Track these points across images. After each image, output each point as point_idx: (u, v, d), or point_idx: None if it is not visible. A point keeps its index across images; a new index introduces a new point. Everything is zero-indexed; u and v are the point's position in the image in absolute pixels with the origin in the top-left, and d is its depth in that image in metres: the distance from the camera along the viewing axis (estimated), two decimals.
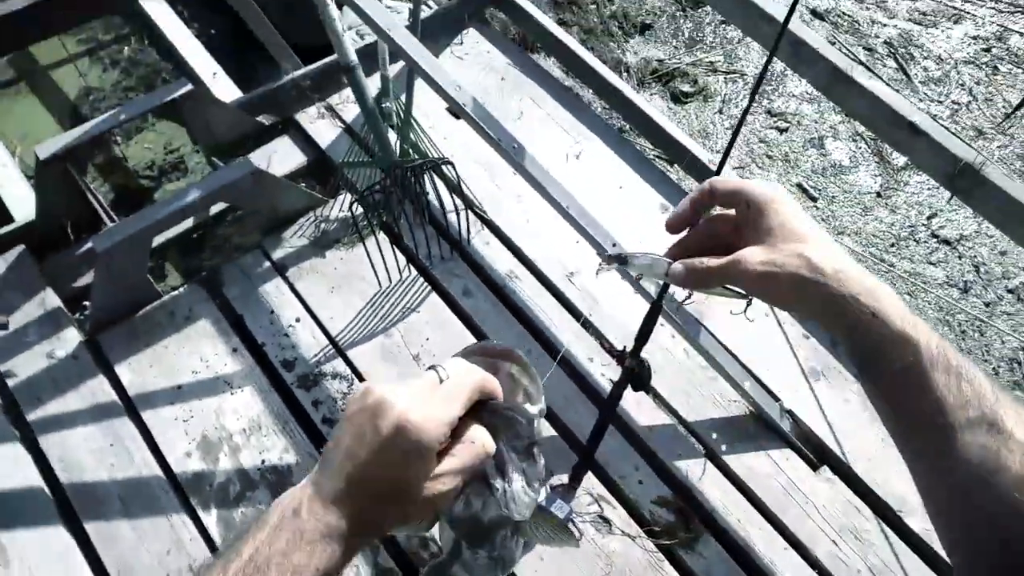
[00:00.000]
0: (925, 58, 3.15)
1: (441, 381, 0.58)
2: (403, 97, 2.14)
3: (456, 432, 0.57)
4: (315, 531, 0.52)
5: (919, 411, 0.56)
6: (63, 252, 2.09)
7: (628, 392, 1.84)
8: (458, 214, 2.10)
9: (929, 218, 2.70)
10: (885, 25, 3.26)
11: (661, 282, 0.72)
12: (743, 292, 0.69)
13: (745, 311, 0.74)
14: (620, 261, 0.71)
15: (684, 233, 0.72)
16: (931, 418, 0.55)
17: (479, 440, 0.58)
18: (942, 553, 1.64)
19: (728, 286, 0.69)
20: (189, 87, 2.03)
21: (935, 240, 2.65)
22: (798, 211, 0.64)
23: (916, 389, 0.56)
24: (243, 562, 0.51)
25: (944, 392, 0.55)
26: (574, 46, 2.46)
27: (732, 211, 0.68)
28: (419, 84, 2.18)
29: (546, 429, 1.82)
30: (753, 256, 0.62)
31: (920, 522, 1.72)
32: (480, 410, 0.60)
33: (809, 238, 0.62)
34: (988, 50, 3.19)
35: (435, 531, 0.79)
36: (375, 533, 0.56)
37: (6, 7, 1.54)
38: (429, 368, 0.59)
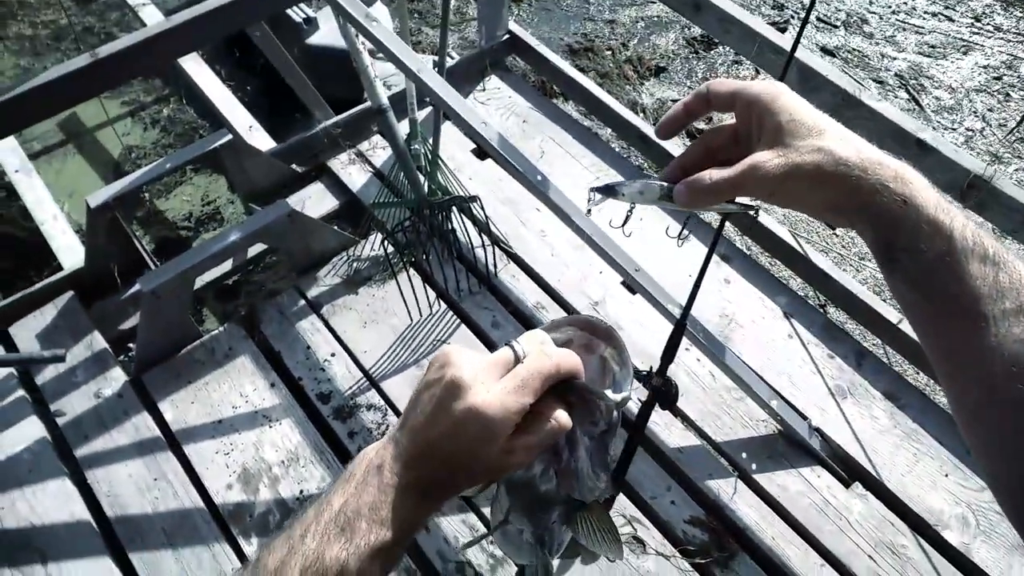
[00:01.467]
0: (936, 88, 3.21)
1: (517, 359, 0.58)
2: (431, 139, 2.24)
3: (534, 406, 0.57)
4: (397, 488, 0.55)
5: (951, 303, 0.52)
6: (109, 297, 2.19)
7: (657, 416, 1.89)
8: (485, 249, 2.18)
9: None
10: (895, 59, 3.34)
11: (655, 205, 0.64)
12: (750, 204, 0.65)
13: (756, 215, 0.68)
14: (608, 192, 0.65)
15: (674, 149, 0.67)
16: (965, 310, 0.51)
17: (556, 418, 0.57)
18: (983, 566, 1.63)
19: (736, 200, 0.64)
20: (229, 137, 2.15)
21: None
22: (806, 104, 0.59)
23: (949, 279, 0.52)
24: (334, 512, 0.55)
25: (979, 282, 0.51)
26: (592, 88, 2.56)
27: (728, 119, 0.64)
28: (445, 128, 2.29)
29: None
30: (768, 159, 0.57)
31: (958, 536, 1.71)
32: (561, 387, 0.58)
33: (825, 129, 0.57)
34: (999, 78, 3.25)
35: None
36: (451, 493, 0.59)
37: (56, 71, 1.66)
38: (506, 344, 0.59)
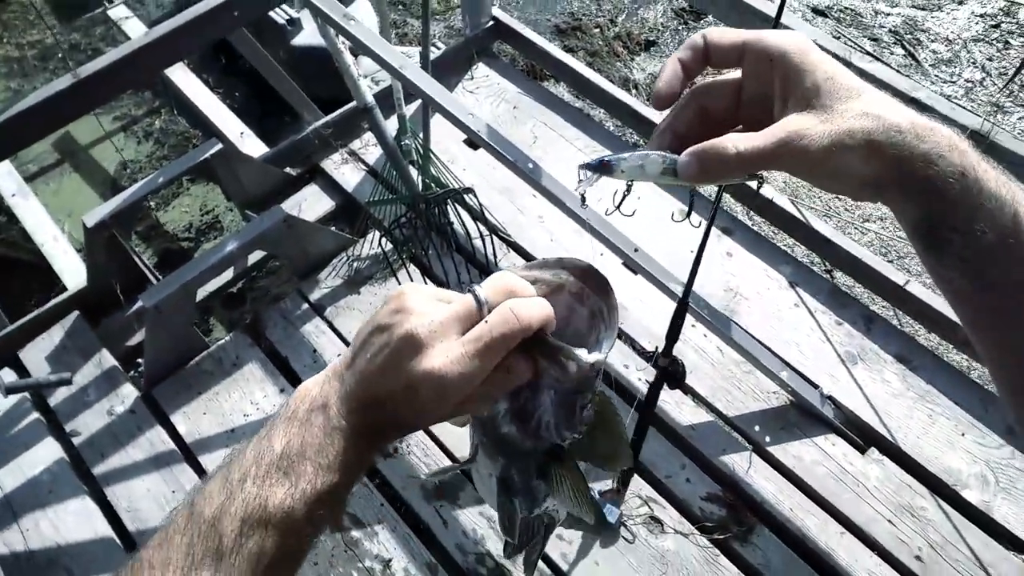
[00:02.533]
0: (933, 41, 3.16)
1: (480, 309, 0.52)
2: (420, 134, 2.23)
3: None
4: (343, 429, 0.52)
5: (1016, 292, 0.47)
6: (114, 314, 2.20)
7: (667, 394, 1.88)
8: (483, 240, 2.17)
9: None
10: (888, 14, 3.28)
11: (658, 182, 0.54)
12: (759, 176, 0.55)
13: (759, 188, 0.57)
14: (602, 169, 0.55)
15: (664, 115, 0.55)
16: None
17: (515, 371, 0.53)
18: (1005, 523, 1.62)
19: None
20: (219, 146, 2.15)
21: None
22: (836, 61, 0.50)
23: (1012, 265, 0.46)
24: (276, 455, 0.51)
25: None
26: (581, 69, 2.53)
27: (730, 74, 0.54)
28: (435, 120, 2.27)
29: None
30: (812, 126, 0.47)
31: (978, 494, 1.70)
32: (529, 339, 0.52)
33: (864, 90, 0.49)
34: (997, 26, 3.19)
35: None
36: (398, 437, 0.56)
37: (38, 95, 1.66)
38: (468, 290, 0.53)
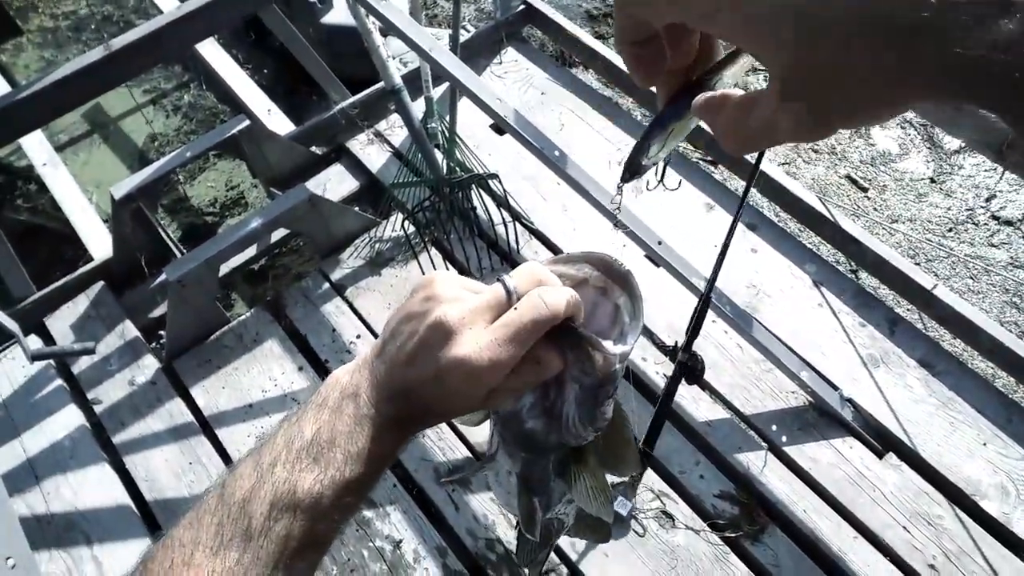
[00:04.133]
0: None
1: (510, 299, 0.52)
2: (447, 117, 2.22)
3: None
4: (373, 419, 0.52)
5: None
6: (139, 286, 2.23)
7: (685, 389, 1.87)
8: (506, 226, 2.16)
9: (987, 200, 2.63)
10: None
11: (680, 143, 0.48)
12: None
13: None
14: (635, 171, 0.53)
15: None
16: None
17: (544, 362, 0.53)
18: (1023, 535, 1.59)
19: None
20: (247, 123, 2.15)
21: (996, 222, 2.58)
22: None
23: None
24: (306, 441, 0.51)
25: None
26: (611, 56, 2.50)
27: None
28: (462, 104, 2.26)
29: None
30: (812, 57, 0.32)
31: (997, 506, 1.67)
32: (556, 329, 0.52)
33: None
34: None
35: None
36: (426, 427, 0.56)
37: (71, 66, 1.68)
38: (497, 280, 0.53)
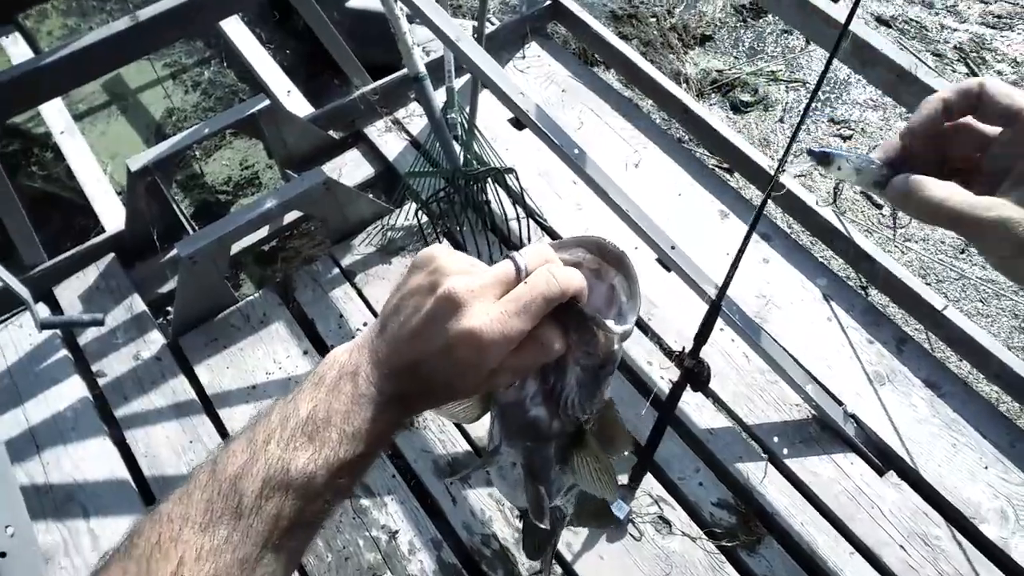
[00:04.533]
0: (999, 61, 3.06)
1: (519, 276, 0.52)
2: (467, 109, 2.21)
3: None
4: (372, 399, 0.51)
5: None
6: (149, 260, 2.23)
7: (688, 396, 1.86)
8: (519, 221, 2.16)
9: None
10: (955, 30, 3.19)
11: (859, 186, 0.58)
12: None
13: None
14: (822, 159, 0.58)
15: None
16: None
17: (548, 342, 0.52)
18: (1022, 562, 1.59)
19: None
20: (267, 103, 2.15)
21: None
22: None
23: None
24: (302, 419, 0.50)
25: None
26: (634, 57, 2.49)
27: (992, 129, 0.53)
28: (482, 97, 2.25)
29: None
30: (1019, 216, 0.46)
31: (996, 530, 1.67)
32: (560, 309, 0.52)
33: None
34: None
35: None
36: (427, 407, 0.56)
37: (96, 35, 1.67)
38: (507, 256, 0.53)
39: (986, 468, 1.75)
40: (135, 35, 1.68)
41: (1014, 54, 3.08)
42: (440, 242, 2.11)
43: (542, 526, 0.69)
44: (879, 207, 2.68)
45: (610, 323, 0.55)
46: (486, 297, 0.50)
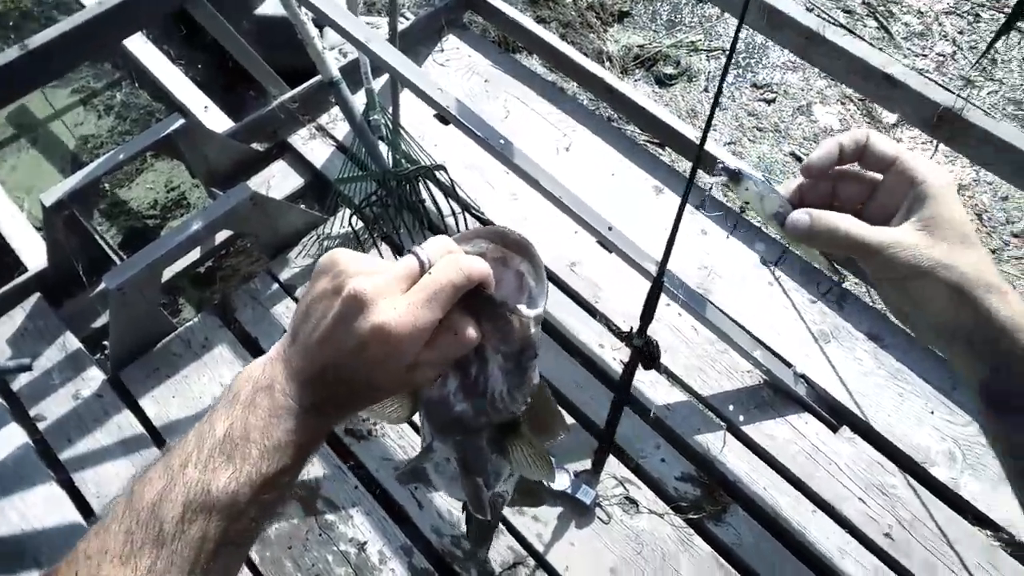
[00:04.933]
0: (905, 13, 3.14)
1: (423, 269, 0.52)
2: (390, 109, 2.17)
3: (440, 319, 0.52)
4: (291, 410, 0.51)
5: None
6: (78, 296, 2.14)
7: (642, 374, 1.87)
8: (456, 217, 2.13)
9: None
10: None
11: (762, 217, 0.60)
12: (839, 269, 0.62)
13: (831, 289, 0.70)
14: (732, 176, 0.61)
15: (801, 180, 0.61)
16: None
17: (461, 331, 0.53)
18: (971, 500, 1.65)
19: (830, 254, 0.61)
20: (182, 122, 2.08)
21: None
22: (963, 208, 0.55)
23: None
24: (219, 438, 0.49)
25: None
26: (554, 41, 2.48)
27: (874, 175, 0.59)
28: (405, 94, 2.22)
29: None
30: (917, 243, 0.53)
31: (946, 471, 1.72)
32: (469, 298, 0.53)
33: (976, 244, 0.54)
34: None
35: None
36: (349, 413, 0.55)
37: None
38: (408, 251, 0.53)
39: (932, 413, 1.80)
40: (30, 64, 1.59)
41: (919, 5, 3.17)
42: (377, 246, 2.08)
43: (483, 518, 0.69)
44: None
45: (522, 307, 0.55)
46: (392, 292, 0.51)
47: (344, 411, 0.55)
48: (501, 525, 1.73)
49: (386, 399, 0.58)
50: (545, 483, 0.70)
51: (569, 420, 1.85)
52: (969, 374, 0.54)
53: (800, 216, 0.57)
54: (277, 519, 1.76)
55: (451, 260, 0.52)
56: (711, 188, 0.65)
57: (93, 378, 1.98)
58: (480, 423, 0.61)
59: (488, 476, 0.69)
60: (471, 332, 0.53)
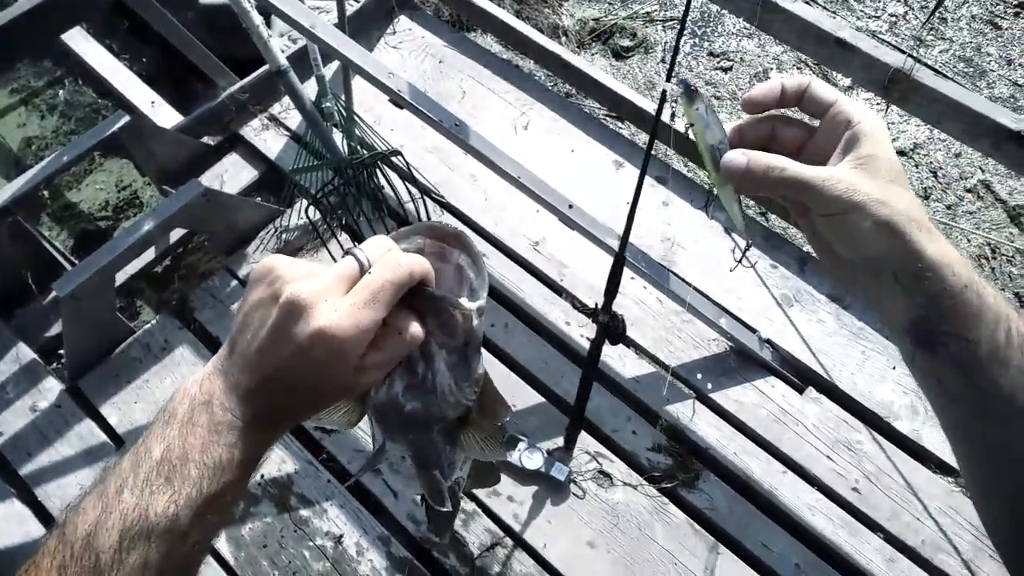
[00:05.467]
0: None
1: (362, 270, 0.51)
2: (343, 95, 2.13)
3: (384, 319, 0.51)
4: (232, 425, 0.49)
5: (1006, 391, 0.51)
6: (29, 305, 2.08)
7: (610, 349, 1.88)
8: (415, 202, 2.11)
9: None
10: None
11: (702, 152, 0.60)
12: (746, 224, 0.63)
13: (744, 254, 0.70)
14: (688, 92, 0.60)
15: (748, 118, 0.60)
16: (1013, 400, 0.51)
17: (406, 330, 0.52)
18: (932, 449, 1.69)
19: (742, 204, 0.61)
20: (127, 119, 2.02)
21: None
22: (894, 152, 0.56)
23: (1001, 374, 0.51)
24: (155, 460, 0.47)
25: None
26: (507, 18, 2.45)
27: (810, 120, 0.60)
28: (358, 80, 2.17)
29: (534, 396, 1.84)
30: (855, 181, 0.53)
31: (908, 424, 1.76)
32: (410, 295, 0.53)
33: (905, 184, 0.54)
34: None
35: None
36: (295, 422, 0.54)
37: None
38: (347, 252, 0.52)
39: (894, 368, 1.84)
40: None
41: None
42: (336, 236, 2.04)
43: (444, 509, 0.69)
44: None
45: (464, 301, 0.55)
46: (332, 295, 0.49)
47: (288, 422, 0.53)
48: (477, 508, 1.73)
49: (331, 406, 0.56)
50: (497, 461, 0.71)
51: (539, 399, 1.85)
52: (895, 313, 0.55)
53: (736, 156, 0.56)
54: (250, 518, 1.74)
55: (390, 259, 0.51)
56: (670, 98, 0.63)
57: (50, 389, 1.93)
58: (433, 419, 0.61)
59: (444, 467, 0.69)
60: (415, 330, 0.52)
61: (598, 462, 1.76)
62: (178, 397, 0.51)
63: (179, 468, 0.47)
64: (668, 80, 1.24)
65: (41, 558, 0.46)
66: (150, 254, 2.14)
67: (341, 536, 1.71)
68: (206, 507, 0.48)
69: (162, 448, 0.48)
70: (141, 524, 0.46)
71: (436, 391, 0.58)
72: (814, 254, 1.99)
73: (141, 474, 0.47)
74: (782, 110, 0.60)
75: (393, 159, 2.05)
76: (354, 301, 0.49)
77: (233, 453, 0.49)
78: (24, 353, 1.97)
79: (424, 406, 0.59)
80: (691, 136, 0.61)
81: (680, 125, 0.63)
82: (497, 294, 2.01)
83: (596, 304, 1.52)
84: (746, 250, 0.72)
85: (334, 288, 0.50)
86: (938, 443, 1.73)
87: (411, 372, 0.57)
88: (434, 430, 0.64)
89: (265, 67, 2.30)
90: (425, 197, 2.08)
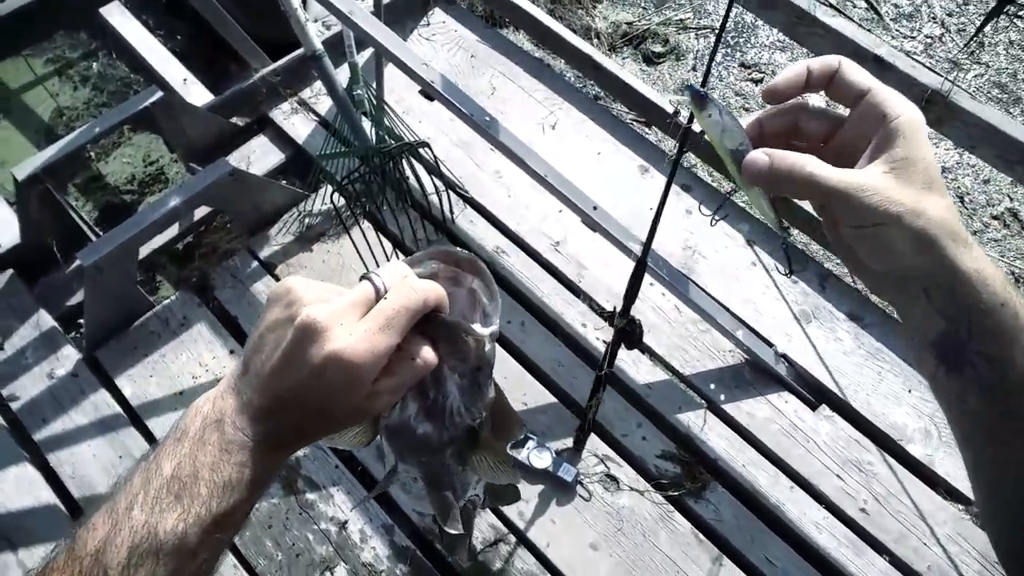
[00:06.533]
0: None
1: (378, 295, 0.51)
2: (374, 84, 2.14)
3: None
4: (243, 444, 0.49)
5: None
6: (52, 273, 2.10)
7: (624, 353, 1.88)
8: (439, 195, 2.11)
9: None
10: None
11: (722, 154, 0.55)
12: (785, 223, 0.58)
13: (786, 253, 0.64)
14: (697, 98, 0.56)
15: (767, 110, 0.56)
16: None
17: (419, 356, 0.52)
18: (943, 475, 1.67)
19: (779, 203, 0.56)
20: (160, 94, 2.04)
21: None
22: (932, 149, 0.51)
23: None
24: (166, 478, 0.48)
25: None
26: (541, 17, 2.44)
27: (841, 111, 0.55)
28: (390, 69, 2.18)
29: (546, 396, 1.84)
30: (887, 189, 0.48)
31: (921, 448, 1.74)
32: (425, 322, 0.53)
33: (942, 189, 0.50)
34: None
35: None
36: (305, 444, 0.54)
37: None
38: (363, 277, 0.53)
39: (909, 391, 1.82)
40: (8, 27, 1.55)
41: None
42: (359, 223, 2.05)
43: (453, 532, 0.69)
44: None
45: (476, 327, 0.56)
46: (347, 319, 0.50)
47: (299, 443, 0.53)
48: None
49: (343, 429, 0.57)
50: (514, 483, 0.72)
51: (551, 399, 1.85)
52: (921, 326, 0.51)
53: (758, 156, 0.52)
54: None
55: (406, 285, 0.51)
56: (677, 111, 0.59)
57: (68, 357, 1.96)
58: (444, 441, 0.62)
59: (456, 489, 0.70)
60: (429, 356, 0.53)
61: (606, 465, 1.76)
62: (191, 414, 0.51)
63: (189, 486, 0.48)
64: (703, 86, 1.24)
65: (50, 572, 0.46)
66: (173, 230, 2.16)
67: (346, 522, 1.72)
68: (215, 526, 0.48)
69: (173, 465, 0.48)
70: (150, 542, 0.46)
71: (447, 414, 0.59)
72: (835, 272, 1.97)
73: (151, 491, 0.47)
74: (807, 96, 0.55)
75: (420, 151, 2.05)
76: (369, 326, 0.49)
77: (243, 472, 0.49)
78: (45, 320, 1.99)
79: (436, 429, 0.60)
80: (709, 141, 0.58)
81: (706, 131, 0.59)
82: (515, 292, 2.02)
83: (614, 307, 1.52)
84: (786, 249, 0.67)
85: (350, 312, 0.50)
86: (950, 469, 1.71)
87: (423, 396, 0.58)
88: (446, 453, 0.64)
89: (298, 51, 2.31)
90: (449, 191, 2.09)
